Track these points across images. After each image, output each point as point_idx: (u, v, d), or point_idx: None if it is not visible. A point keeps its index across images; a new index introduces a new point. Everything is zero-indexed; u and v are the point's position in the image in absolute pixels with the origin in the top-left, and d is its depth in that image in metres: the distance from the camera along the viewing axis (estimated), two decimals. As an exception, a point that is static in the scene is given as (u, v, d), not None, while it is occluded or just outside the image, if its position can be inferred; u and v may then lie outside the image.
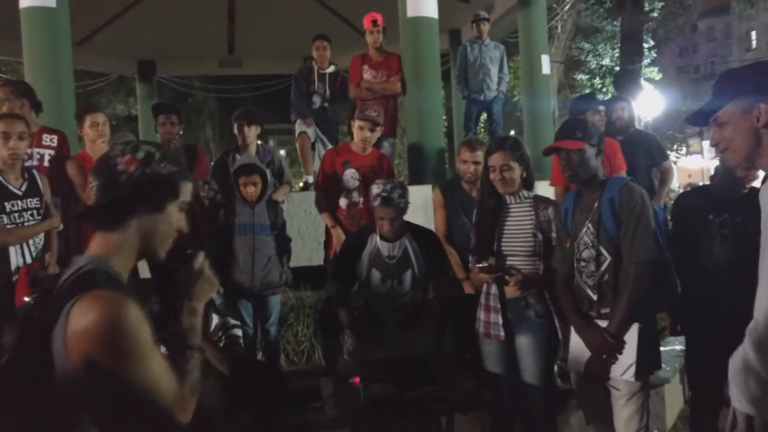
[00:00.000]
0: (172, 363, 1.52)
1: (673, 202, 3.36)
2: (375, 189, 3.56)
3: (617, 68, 13.26)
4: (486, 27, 7.29)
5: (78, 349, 1.35)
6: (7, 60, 12.92)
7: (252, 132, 5.04)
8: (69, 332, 1.36)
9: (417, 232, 3.71)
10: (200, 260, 1.66)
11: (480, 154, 3.86)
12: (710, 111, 1.86)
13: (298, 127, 6.44)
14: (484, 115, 7.79)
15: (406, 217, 3.66)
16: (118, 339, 1.36)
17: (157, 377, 1.42)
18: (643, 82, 13.79)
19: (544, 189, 3.40)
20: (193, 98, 18.86)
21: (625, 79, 10.99)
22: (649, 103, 16.23)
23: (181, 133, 5.25)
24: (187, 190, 1.64)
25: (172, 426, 1.49)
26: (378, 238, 3.64)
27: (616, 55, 14.71)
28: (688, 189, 4.02)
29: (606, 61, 17.81)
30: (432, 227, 4.05)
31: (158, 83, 11.99)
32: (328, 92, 6.40)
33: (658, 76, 18.49)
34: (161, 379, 1.43)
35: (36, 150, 4.42)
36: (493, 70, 7.19)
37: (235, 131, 5.09)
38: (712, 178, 3.62)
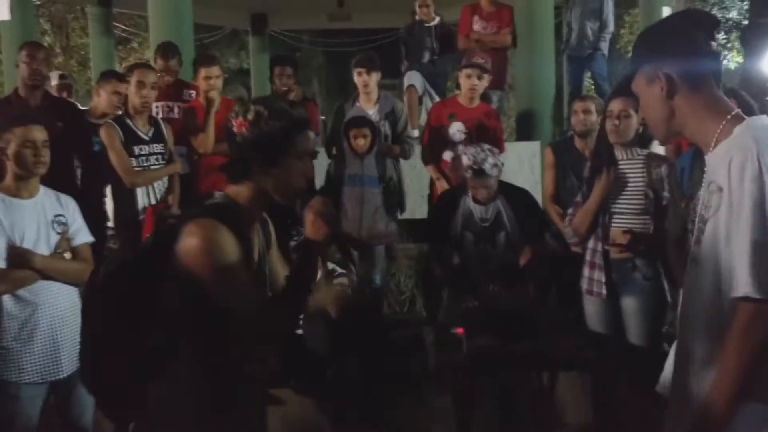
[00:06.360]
0: (280, 295, 1.82)
1: None
2: (465, 160, 3.52)
3: (745, 22, 12.33)
4: None
5: (181, 265, 1.64)
6: (129, 14, 13.51)
7: (373, 79, 4.72)
8: (176, 250, 1.64)
9: (511, 193, 3.66)
10: (315, 204, 1.74)
11: (592, 106, 3.80)
12: (628, 79, 1.61)
13: (407, 80, 6.42)
14: None
15: (512, 174, 3.62)
16: (209, 257, 1.62)
17: (239, 292, 1.66)
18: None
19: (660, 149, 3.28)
20: (301, 52, 19.11)
21: (754, 34, 10.19)
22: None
23: (296, 85, 5.20)
24: (304, 141, 1.76)
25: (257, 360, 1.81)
26: (470, 200, 3.62)
27: (745, 7, 13.67)
28: None
29: (733, 14, 16.58)
30: (538, 184, 4.00)
31: (270, 37, 12.21)
32: (435, 45, 6.35)
33: (792, 32, 17.10)
34: (243, 294, 1.67)
35: (176, 103, 4.77)
36: (589, 25, 6.65)
37: (355, 79, 4.78)
38: None
